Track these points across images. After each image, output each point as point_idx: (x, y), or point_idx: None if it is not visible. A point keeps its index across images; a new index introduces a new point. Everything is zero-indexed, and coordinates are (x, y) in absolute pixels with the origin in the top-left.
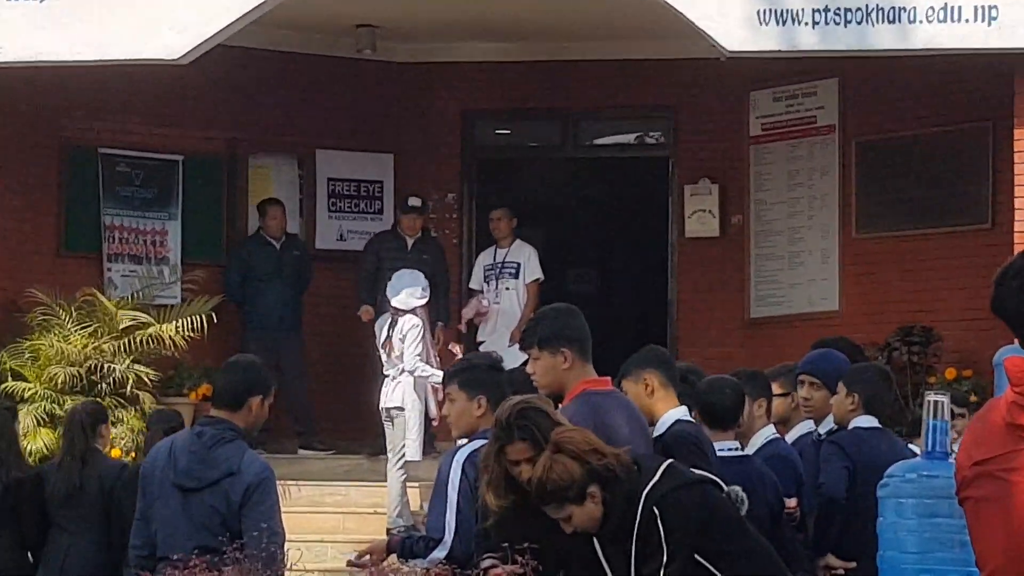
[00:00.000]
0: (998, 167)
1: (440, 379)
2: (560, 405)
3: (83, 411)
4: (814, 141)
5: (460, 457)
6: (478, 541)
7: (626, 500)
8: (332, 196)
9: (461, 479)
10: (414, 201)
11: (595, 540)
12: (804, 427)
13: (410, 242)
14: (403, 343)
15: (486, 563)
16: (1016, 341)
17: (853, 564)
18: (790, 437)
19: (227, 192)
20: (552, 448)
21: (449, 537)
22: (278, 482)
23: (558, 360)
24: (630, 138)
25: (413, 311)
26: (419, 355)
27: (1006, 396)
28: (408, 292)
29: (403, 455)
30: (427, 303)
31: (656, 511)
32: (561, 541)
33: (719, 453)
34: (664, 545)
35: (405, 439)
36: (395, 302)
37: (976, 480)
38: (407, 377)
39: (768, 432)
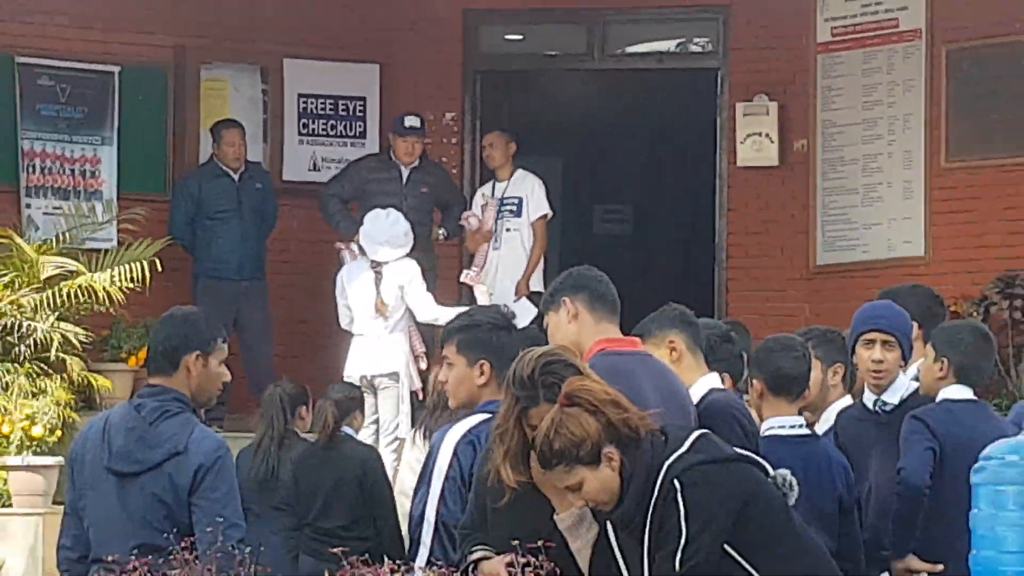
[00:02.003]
0: None
1: None
2: None
3: (283, 391)
4: (895, 49)
5: (454, 437)
6: (465, 534)
7: (646, 472)
8: (303, 117)
9: (451, 464)
10: (411, 120)
11: (608, 525)
12: (840, 406)
13: (406, 172)
14: (402, 296)
15: (477, 554)
16: None
17: (940, 567)
18: (823, 424)
19: (173, 111)
20: (564, 400)
21: (427, 537)
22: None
23: (562, 317)
24: (671, 45)
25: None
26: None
27: None
28: (391, 240)
29: (396, 433)
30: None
31: (677, 485)
32: None
33: (778, 431)
34: (683, 526)
35: (399, 413)
36: (379, 255)
37: None
38: (399, 336)
39: (844, 403)
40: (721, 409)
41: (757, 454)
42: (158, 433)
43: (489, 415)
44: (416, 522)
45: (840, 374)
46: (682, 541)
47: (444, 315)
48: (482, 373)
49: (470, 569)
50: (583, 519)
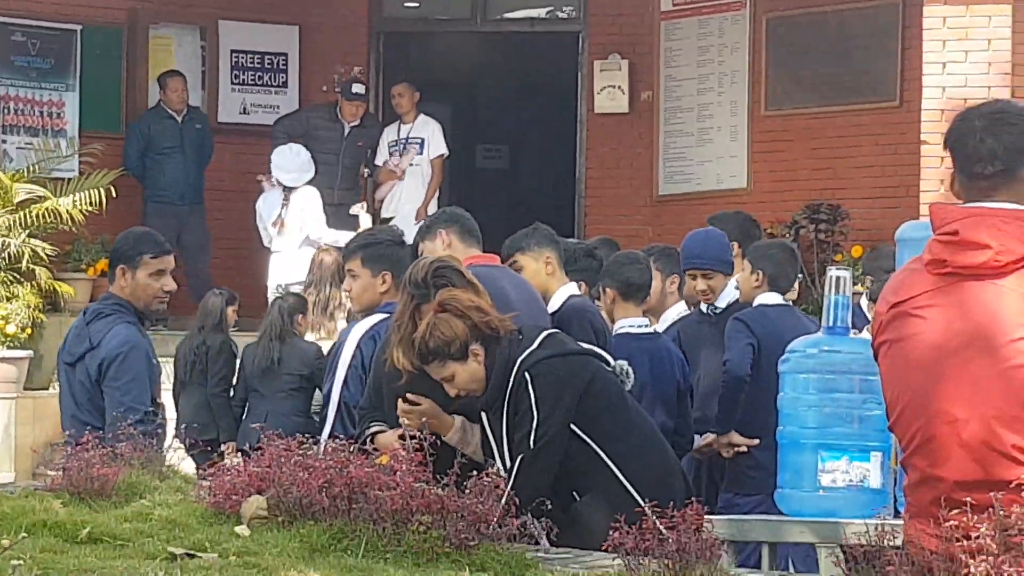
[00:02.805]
0: (907, 44)
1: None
2: None
3: (285, 301)
4: (724, 17)
5: (358, 332)
6: (364, 413)
7: (504, 364)
8: (235, 69)
9: (354, 354)
10: (358, 88)
11: (482, 412)
12: (677, 312)
13: (347, 128)
14: (302, 217)
15: (374, 428)
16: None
17: (756, 441)
18: (663, 324)
19: (127, 63)
20: (437, 307)
21: (332, 415)
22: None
23: (438, 244)
24: (541, 12)
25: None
26: (324, 224)
27: (930, 240)
28: (299, 168)
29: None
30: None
31: (528, 376)
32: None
33: (628, 329)
34: (534, 411)
35: None
36: (287, 180)
37: (892, 323)
38: (307, 249)
39: (680, 309)
40: (577, 312)
41: (606, 350)
42: (87, 331)
43: (388, 315)
44: (323, 403)
45: (676, 284)
46: (535, 423)
47: (329, 236)
48: (384, 282)
49: (367, 441)
50: (464, 431)
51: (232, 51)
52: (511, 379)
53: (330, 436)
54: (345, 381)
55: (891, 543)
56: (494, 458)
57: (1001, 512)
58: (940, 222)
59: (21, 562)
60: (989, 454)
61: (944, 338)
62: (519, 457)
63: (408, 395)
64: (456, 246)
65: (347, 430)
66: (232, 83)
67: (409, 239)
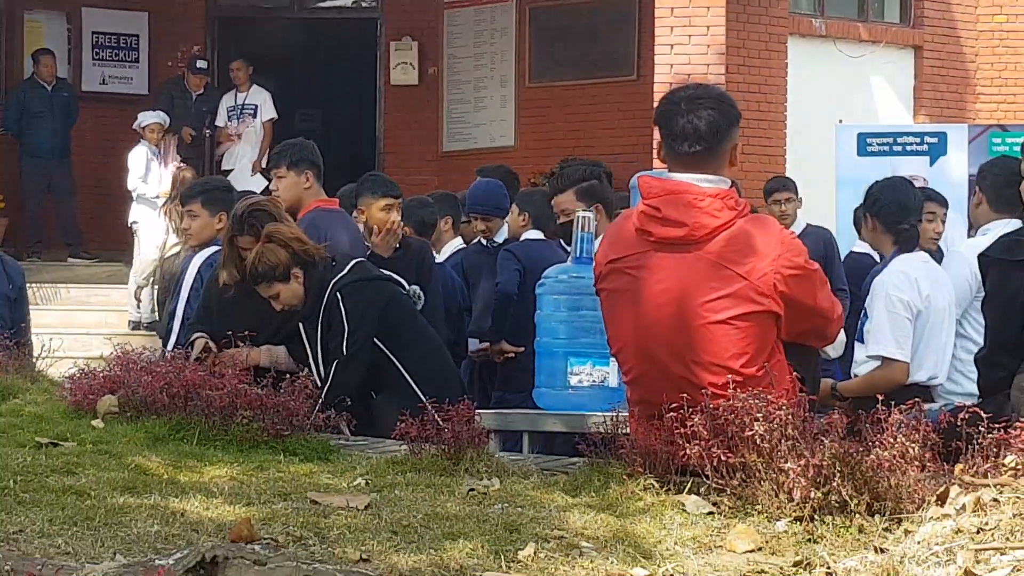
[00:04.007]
0: (643, 29)
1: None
2: (297, 218)
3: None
4: (496, 7)
5: (198, 260)
6: (193, 324)
7: (319, 285)
8: (96, 47)
9: (195, 278)
10: (201, 64)
11: (300, 324)
12: (454, 246)
13: (194, 96)
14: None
15: (195, 336)
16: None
17: (522, 349)
18: (443, 256)
19: (5, 43)
20: (265, 239)
21: (176, 328)
22: (52, 285)
23: (301, 180)
24: (348, 2)
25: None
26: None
27: (638, 207)
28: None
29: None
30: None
31: (339, 296)
32: (277, 321)
33: None
34: (345, 323)
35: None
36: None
37: (609, 275)
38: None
39: (456, 243)
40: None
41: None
42: None
43: (219, 247)
44: (168, 318)
45: (450, 223)
46: (346, 333)
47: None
48: (220, 220)
49: (191, 347)
50: (271, 354)
51: (93, 32)
52: (325, 297)
53: (175, 346)
54: (188, 300)
55: (623, 431)
56: (306, 363)
57: (711, 408)
58: (647, 195)
59: None
60: (689, 387)
61: (651, 296)
62: (334, 362)
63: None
64: (314, 187)
65: (187, 334)
66: (93, 59)
67: (246, 187)
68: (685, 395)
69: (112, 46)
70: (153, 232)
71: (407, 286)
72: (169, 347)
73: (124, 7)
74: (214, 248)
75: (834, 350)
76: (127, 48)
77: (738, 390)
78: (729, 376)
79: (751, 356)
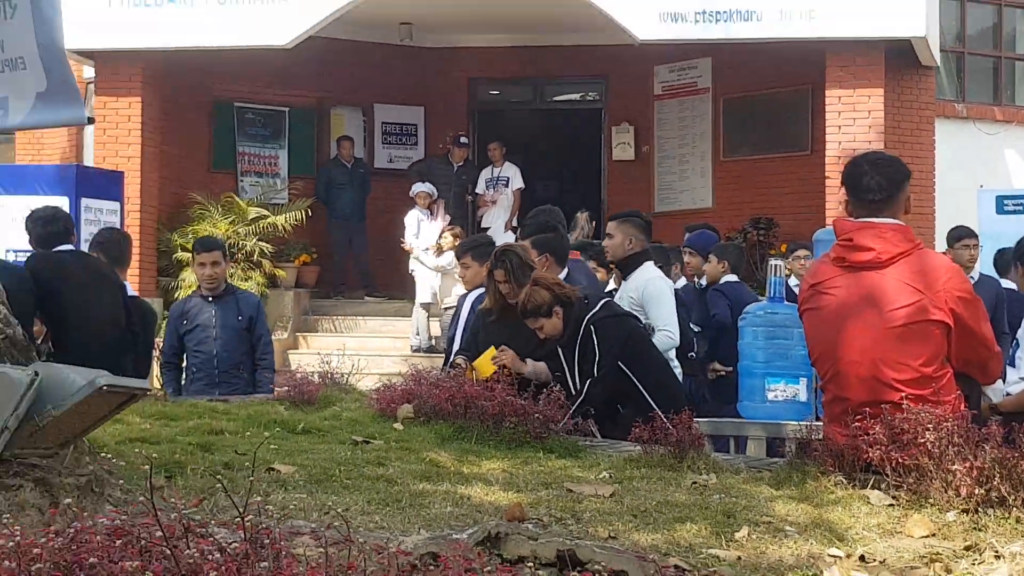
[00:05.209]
0: (815, 113)
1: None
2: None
3: None
4: (696, 98)
5: (470, 298)
6: (462, 348)
7: (576, 320)
8: (384, 134)
9: (468, 312)
10: (465, 140)
11: (560, 349)
12: (682, 282)
13: (455, 167)
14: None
15: (458, 359)
16: (846, 206)
17: (731, 368)
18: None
19: (317, 131)
20: (532, 282)
21: (453, 348)
22: (352, 318)
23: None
24: (577, 96)
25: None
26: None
27: (835, 244)
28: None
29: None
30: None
31: (592, 328)
32: (525, 340)
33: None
34: (596, 351)
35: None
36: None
37: (811, 297)
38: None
39: (681, 283)
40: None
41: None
42: None
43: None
44: (448, 344)
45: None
46: (597, 359)
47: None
48: (486, 268)
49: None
50: (534, 369)
51: (382, 122)
52: (581, 330)
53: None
54: (464, 328)
55: (815, 437)
56: (564, 381)
57: (889, 418)
58: (840, 232)
59: (274, 446)
60: (876, 384)
61: (845, 307)
62: (587, 381)
63: (500, 346)
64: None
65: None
66: (382, 143)
67: (501, 242)
68: (871, 393)
69: (396, 133)
70: (426, 277)
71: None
72: (449, 365)
73: (406, 103)
74: (481, 290)
75: (994, 394)
76: (408, 135)
77: (917, 385)
78: (910, 374)
79: (927, 357)
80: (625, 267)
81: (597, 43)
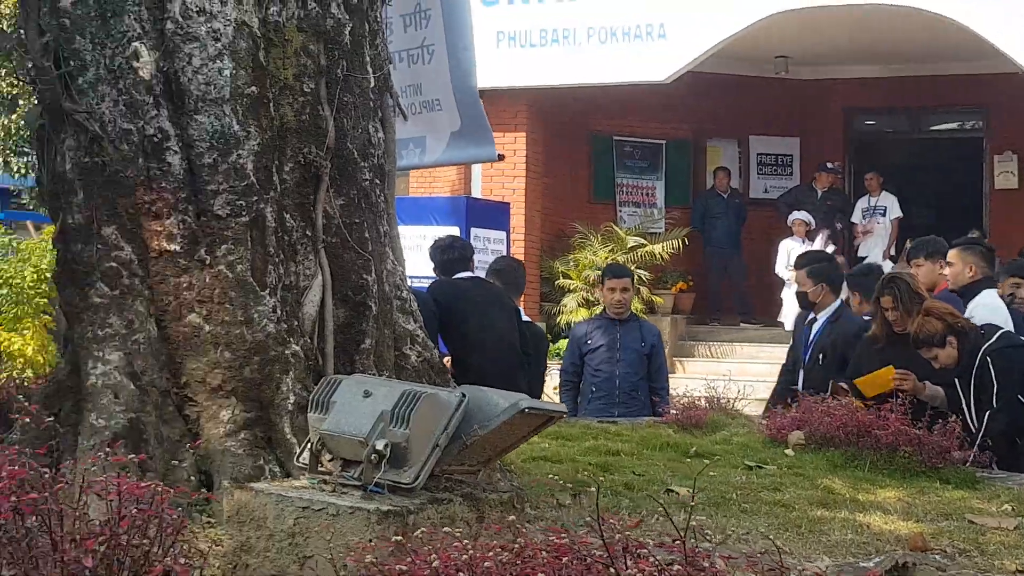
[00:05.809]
0: None
1: None
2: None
3: None
4: None
5: (821, 318)
6: (845, 373)
7: (971, 351)
8: (759, 164)
9: (822, 333)
10: (831, 165)
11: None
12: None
13: (819, 192)
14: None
15: (840, 383)
16: None
17: None
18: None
19: (693, 163)
20: (924, 312)
21: (799, 377)
22: (728, 344)
23: (935, 267)
24: (955, 125)
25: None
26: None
27: None
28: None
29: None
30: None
31: (989, 359)
32: (917, 369)
33: None
34: (995, 382)
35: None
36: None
37: None
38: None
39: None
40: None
41: None
42: None
43: (836, 310)
44: (791, 364)
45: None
46: (995, 390)
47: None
48: (822, 289)
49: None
50: (931, 392)
51: (757, 153)
52: (977, 360)
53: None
54: (810, 355)
55: None
56: (959, 410)
57: None
58: None
59: (669, 470)
60: None
61: None
62: (987, 412)
63: (899, 369)
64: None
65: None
66: (758, 174)
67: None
68: None
69: (772, 163)
70: (793, 305)
71: None
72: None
73: (781, 134)
74: (831, 309)
75: None
76: (783, 164)
77: None
78: None
79: None
80: (965, 295)
81: (978, 72)
